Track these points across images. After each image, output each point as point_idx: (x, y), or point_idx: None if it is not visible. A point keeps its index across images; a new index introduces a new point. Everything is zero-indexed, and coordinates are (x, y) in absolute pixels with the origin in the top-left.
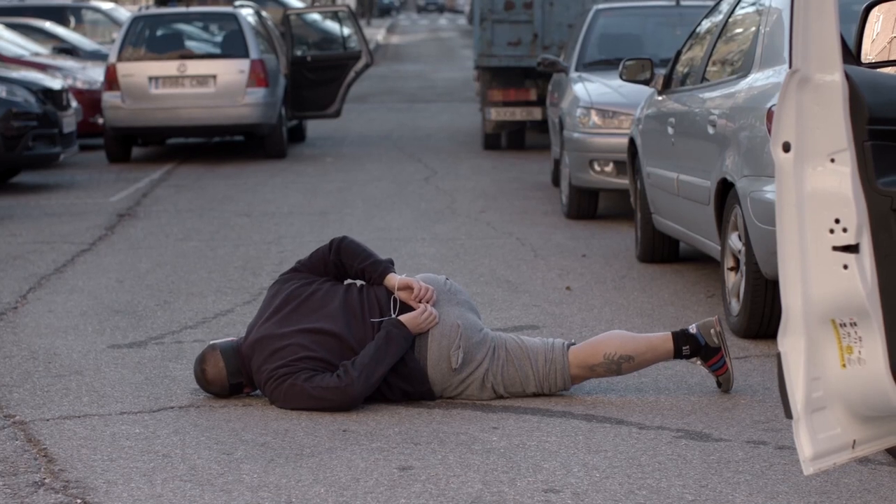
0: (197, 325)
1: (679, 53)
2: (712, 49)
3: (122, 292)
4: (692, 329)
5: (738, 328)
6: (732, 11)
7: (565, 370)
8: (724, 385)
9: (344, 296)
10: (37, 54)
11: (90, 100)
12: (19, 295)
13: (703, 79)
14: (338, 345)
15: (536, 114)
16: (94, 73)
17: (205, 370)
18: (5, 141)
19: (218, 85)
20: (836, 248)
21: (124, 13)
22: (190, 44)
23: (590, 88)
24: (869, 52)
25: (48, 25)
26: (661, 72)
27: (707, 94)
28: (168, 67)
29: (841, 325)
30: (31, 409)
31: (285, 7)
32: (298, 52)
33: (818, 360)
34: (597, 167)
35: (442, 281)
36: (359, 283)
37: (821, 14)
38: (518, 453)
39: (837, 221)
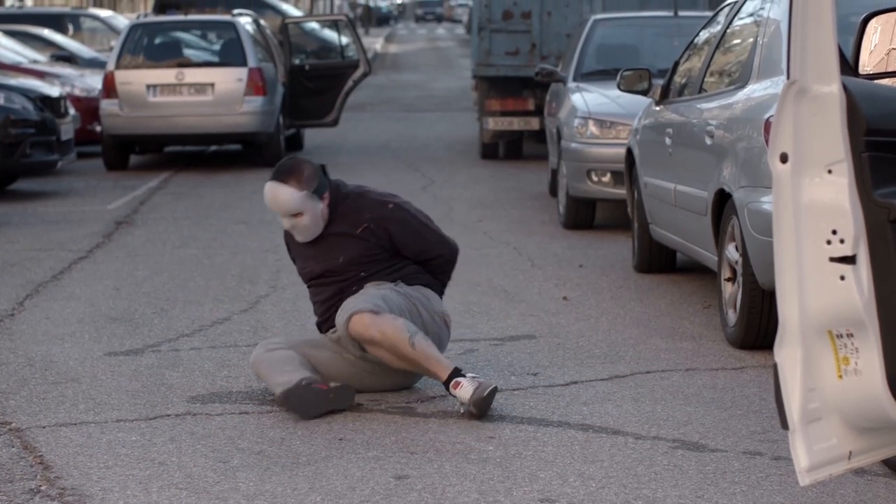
0: (194, 333)
1: (677, 64)
2: (710, 60)
3: (119, 300)
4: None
5: (735, 339)
6: (730, 22)
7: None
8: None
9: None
10: (35, 61)
11: (88, 107)
12: (16, 302)
13: (701, 89)
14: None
15: (534, 123)
16: (93, 81)
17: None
18: (3, 148)
19: (216, 93)
20: (833, 259)
21: (123, 21)
22: (188, 52)
23: (587, 98)
24: (867, 64)
25: (46, 33)
26: (659, 82)
27: (705, 105)
28: (166, 75)
29: (837, 336)
30: (27, 417)
31: (284, 15)
32: (296, 61)
33: (815, 371)
34: (594, 177)
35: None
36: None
37: (818, 25)
38: (514, 463)
39: (835, 232)
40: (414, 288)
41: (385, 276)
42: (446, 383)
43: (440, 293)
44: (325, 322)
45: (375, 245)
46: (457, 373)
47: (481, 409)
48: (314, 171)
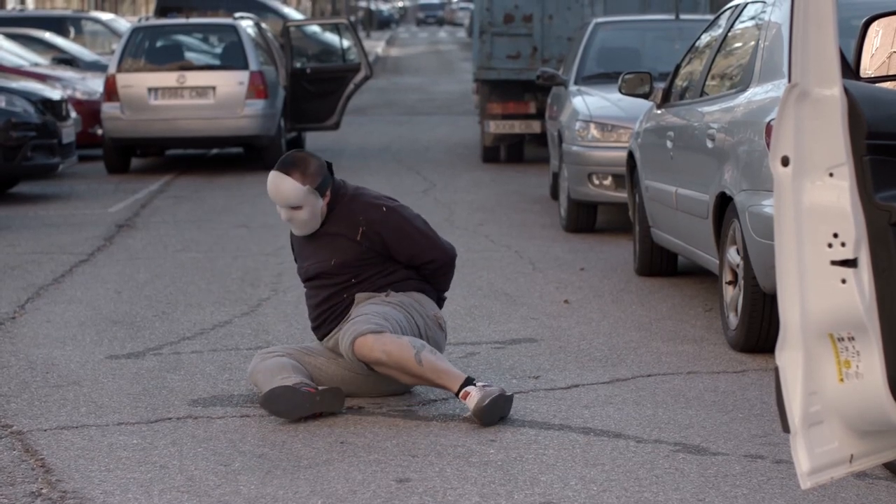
0: (195, 336)
1: (678, 67)
2: (711, 63)
3: (121, 303)
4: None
5: (736, 342)
6: (732, 26)
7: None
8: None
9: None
10: (36, 64)
11: (89, 110)
12: (17, 305)
13: (702, 93)
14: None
15: (535, 127)
16: (94, 84)
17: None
18: (4, 151)
19: (217, 96)
20: (834, 263)
21: (124, 24)
22: (189, 55)
23: (589, 102)
24: (868, 67)
25: (48, 36)
26: (660, 85)
27: (706, 108)
28: (167, 78)
29: (839, 339)
30: (28, 420)
31: (285, 19)
32: (298, 64)
33: (816, 375)
34: (595, 180)
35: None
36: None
37: (820, 28)
38: (515, 466)
39: (836, 236)
40: (405, 294)
41: (375, 283)
42: (458, 394)
43: (435, 298)
44: (318, 328)
45: (368, 249)
46: (468, 382)
47: (482, 418)
48: (319, 167)
